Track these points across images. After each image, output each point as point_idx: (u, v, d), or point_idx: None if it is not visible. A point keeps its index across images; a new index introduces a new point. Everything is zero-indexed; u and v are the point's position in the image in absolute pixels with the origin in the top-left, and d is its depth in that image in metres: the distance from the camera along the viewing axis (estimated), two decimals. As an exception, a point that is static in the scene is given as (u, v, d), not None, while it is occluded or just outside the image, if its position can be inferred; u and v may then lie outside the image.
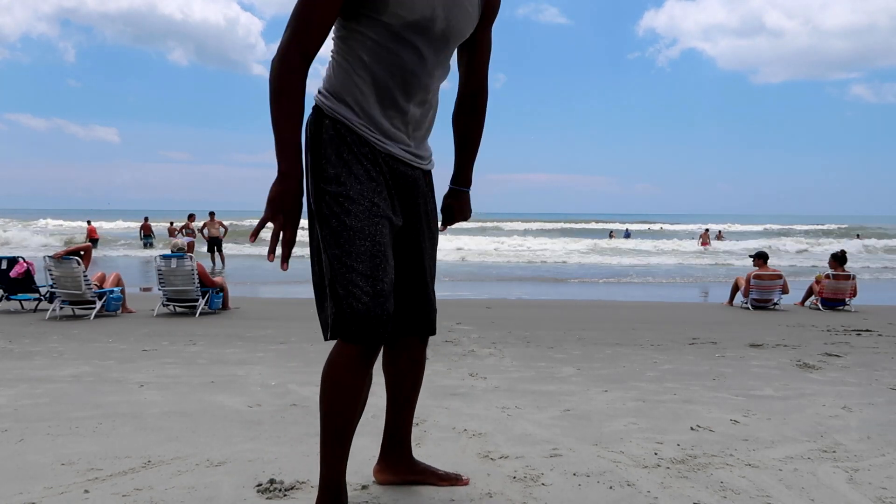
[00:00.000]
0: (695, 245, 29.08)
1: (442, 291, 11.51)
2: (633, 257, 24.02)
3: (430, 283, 2.12)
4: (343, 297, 1.78)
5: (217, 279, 8.85)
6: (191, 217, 19.84)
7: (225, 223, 19.20)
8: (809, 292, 9.91)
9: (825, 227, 51.23)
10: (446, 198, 2.32)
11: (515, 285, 13.73)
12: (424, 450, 3.06)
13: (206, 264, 15.23)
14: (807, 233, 43.24)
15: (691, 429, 3.42)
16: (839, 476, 2.74)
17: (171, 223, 24.63)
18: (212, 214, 18.71)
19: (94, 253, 20.61)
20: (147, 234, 25.54)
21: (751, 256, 10.17)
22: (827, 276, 9.55)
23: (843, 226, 52.47)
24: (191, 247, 8.56)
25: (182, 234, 19.11)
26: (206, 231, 18.35)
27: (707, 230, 31.59)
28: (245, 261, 19.62)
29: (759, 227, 51.27)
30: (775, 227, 51.84)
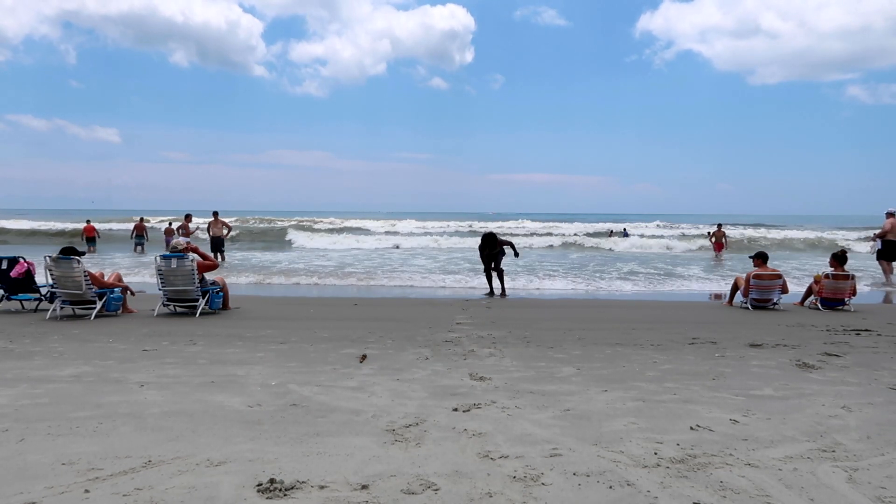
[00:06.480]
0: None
1: (442, 291, 11.36)
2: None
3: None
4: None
5: (217, 277, 8.88)
6: (188, 217, 19.49)
7: (229, 223, 18.99)
8: (809, 292, 9.90)
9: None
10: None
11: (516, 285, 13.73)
12: (425, 449, 3.06)
13: None
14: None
15: (691, 428, 3.42)
16: (839, 476, 2.75)
17: (170, 223, 24.59)
18: (215, 214, 18.36)
19: (92, 253, 20.63)
20: (139, 235, 25.46)
21: (751, 257, 10.15)
22: (826, 276, 9.54)
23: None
24: (187, 248, 8.55)
25: (178, 234, 18.99)
26: (210, 231, 18.07)
27: (719, 226, 23.41)
28: (247, 260, 19.62)
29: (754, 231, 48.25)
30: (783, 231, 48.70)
